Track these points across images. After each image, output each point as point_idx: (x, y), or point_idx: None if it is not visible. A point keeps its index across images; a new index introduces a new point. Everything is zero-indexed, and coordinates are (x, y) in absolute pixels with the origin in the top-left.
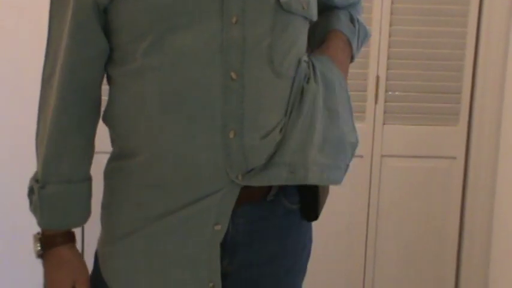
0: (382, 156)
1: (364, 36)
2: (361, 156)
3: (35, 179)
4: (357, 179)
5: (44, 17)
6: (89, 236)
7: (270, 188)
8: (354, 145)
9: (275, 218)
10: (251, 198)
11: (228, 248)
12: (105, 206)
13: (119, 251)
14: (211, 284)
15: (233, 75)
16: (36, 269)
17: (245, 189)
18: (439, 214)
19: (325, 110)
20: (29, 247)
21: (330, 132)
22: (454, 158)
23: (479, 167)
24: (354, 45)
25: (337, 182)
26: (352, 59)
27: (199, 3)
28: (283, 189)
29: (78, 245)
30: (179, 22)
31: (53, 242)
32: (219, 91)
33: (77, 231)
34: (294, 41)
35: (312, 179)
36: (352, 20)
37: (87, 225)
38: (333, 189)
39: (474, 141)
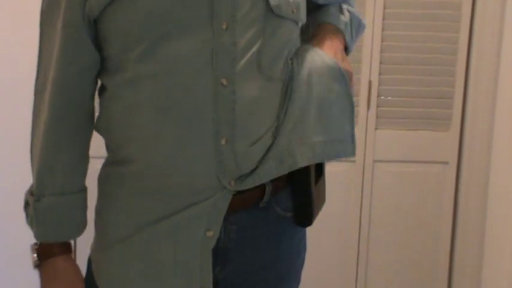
0: (375, 161)
1: (357, 25)
2: (354, 161)
3: (30, 192)
4: (349, 184)
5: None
6: (81, 241)
7: (262, 195)
8: (349, 112)
9: (267, 225)
10: (244, 205)
11: (219, 254)
12: (99, 211)
13: (112, 257)
14: None
15: (224, 81)
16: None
17: (238, 196)
18: (432, 219)
19: (315, 99)
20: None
21: (324, 113)
22: (447, 163)
23: (472, 172)
24: (347, 35)
25: (343, 154)
26: (346, 49)
27: (189, 11)
28: (275, 196)
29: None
30: (170, 30)
31: (50, 252)
32: (211, 98)
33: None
34: (283, 44)
35: (303, 160)
36: (341, 10)
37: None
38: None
39: (466, 146)
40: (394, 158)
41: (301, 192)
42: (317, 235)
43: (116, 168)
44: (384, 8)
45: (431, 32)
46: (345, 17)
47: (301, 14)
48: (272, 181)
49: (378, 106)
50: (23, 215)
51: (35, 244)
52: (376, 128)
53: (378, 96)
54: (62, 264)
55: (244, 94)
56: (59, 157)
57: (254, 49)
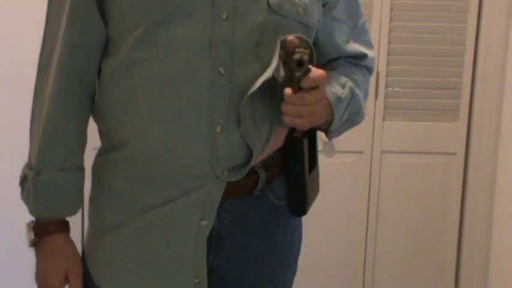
0: (382, 152)
1: (355, 112)
2: (361, 153)
3: (29, 167)
4: (357, 175)
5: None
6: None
7: (256, 183)
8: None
9: (261, 214)
10: (237, 193)
11: (213, 242)
12: (92, 200)
13: (105, 245)
14: (196, 280)
15: (221, 70)
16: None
17: (232, 184)
18: (439, 210)
19: None
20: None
21: None
22: (454, 153)
23: (479, 163)
24: (337, 114)
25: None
26: (330, 126)
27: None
28: (269, 185)
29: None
30: (170, 15)
31: (47, 230)
32: (207, 85)
33: (77, 231)
34: None
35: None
36: (344, 86)
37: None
38: (333, 185)
39: (474, 137)
40: (402, 149)
41: (295, 181)
42: (325, 226)
43: (111, 155)
44: None
45: (438, 23)
46: (342, 93)
47: (311, 17)
48: (266, 170)
49: (385, 97)
50: (23, 214)
51: (31, 222)
52: (383, 119)
53: (386, 87)
54: (61, 241)
55: (242, 85)
56: (61, 133)
57: (252, 42)
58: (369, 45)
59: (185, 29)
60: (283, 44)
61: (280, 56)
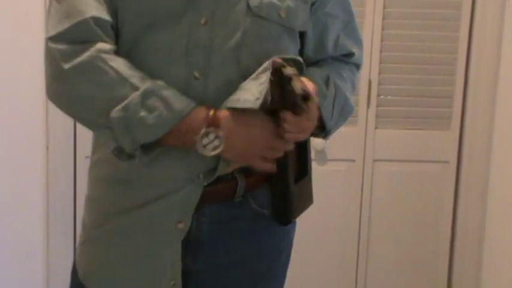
0: (374, 160)
1: (342, 104)
2: (353, 161)
3: (137, 96)
4: (349, 183)
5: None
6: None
7: (235, 188)
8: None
9: (243, 221)
10: (216, 198)
11: (191, 246)
12: (85, 200)
13: (89, 243)
14: (172, 282)
15: (196, 74)
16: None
17: (209, 188)
18: (432, 218)
19: None
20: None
21: None
22: (447, 162)
23: (472, 171)
24: (323, 108)
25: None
26: (323, 126)
27: (170, 4)
28: (252, 192)
29: (71, 250)
30: (153, 21)
31: (215, 120)
32: (182, 89)
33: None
34: (272, 48)
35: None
36: (327, 82)
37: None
38: (324, 193)
39: (466, 146)
40: (394, 157)
41: (278, 188)
42: (317, 234)
43: (95, 156)
44: (384, 7)
45: (431, 31)
46: (329, 91)
47: (295, 20)
48: (247, 176)
49: (377, 105)
50: (22, 215)
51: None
52: (376, 127)
53: (378, 95)
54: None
55: (218, 88)
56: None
57: (231, 45)
58: (359, 43)
59: (166, 33)
60: (277, 70)
61: (271, 81)
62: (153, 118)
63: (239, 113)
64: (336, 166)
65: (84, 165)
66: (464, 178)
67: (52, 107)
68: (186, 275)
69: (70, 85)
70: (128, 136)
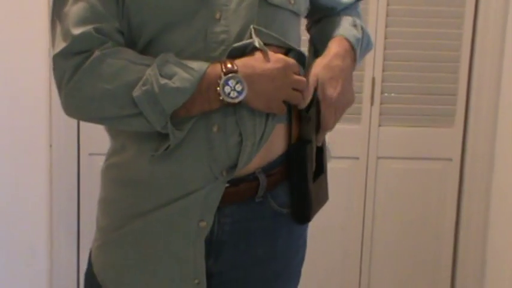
0: (378, 158)
1: (366, 44)
2: (357, 158)
3: (156, 75)
4: (353, 180)
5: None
6: (85, 236)
7: (257, 188)
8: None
9: (263, 220)
10: (238, 198)
11: (213, 247)
12: (99, 202)
13: (107, 245)
14: (196, 281)
15: None
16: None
17: (231, 188)
18: (435, 216)
19: None
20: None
21: None
22: (450, 159)
23: (475, 169)
24: (358, 52)
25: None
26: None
27: (182, 4)
28: (271, 191)
29: (74, 249)
30: (168, 23)
31: (232, 67)
32: None
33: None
34: (282, 35)
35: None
36: (355, 25)
37: (84, 229)
38: (329, 191)
39: (470, 143)
40: (398, 155)
41: (297, 187)
42: (321, 232)
43: (114, 159)
44: (388, 4)
45: (434, 29)
46: (358, 33)
47: (300, 5)
48: (268, 176)
49: (381, 103)
50: (25, 213)
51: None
52: (379, 125)
53: (382, 93)
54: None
55: None
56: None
57: (248, 36)
58: None
59: (182, 33)
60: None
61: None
62: (175, 81)
63: (253, 54)
64: (339, 164)
65: (87, 163)
66: (467, 175)
67: (55, 105)
68: (207, 277)
69: (83, 91)
70: (156, 109)
